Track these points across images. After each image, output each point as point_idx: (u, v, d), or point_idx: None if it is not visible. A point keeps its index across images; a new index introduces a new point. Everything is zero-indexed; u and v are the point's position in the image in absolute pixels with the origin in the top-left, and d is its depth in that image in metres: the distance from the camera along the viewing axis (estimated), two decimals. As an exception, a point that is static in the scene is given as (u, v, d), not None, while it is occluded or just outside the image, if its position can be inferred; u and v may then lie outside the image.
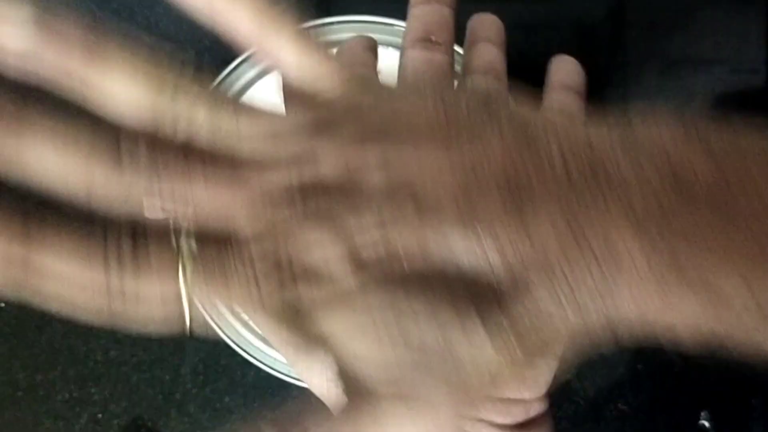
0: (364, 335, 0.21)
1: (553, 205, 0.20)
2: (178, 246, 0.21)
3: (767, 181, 0.20)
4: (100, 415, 0.44)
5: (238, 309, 0.22)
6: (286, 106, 0.23)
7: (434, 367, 0.20)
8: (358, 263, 0.21)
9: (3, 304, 0.45)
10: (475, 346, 0.20)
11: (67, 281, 0.21)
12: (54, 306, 0.21)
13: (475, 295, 0.20)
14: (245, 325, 0.40)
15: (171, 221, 0.22)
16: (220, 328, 0.40)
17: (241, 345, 0.40)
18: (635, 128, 0.21)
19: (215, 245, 0.21)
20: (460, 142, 0.21)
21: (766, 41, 0.45)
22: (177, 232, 0.21)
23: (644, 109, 0.22)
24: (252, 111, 0.22)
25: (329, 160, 0.21)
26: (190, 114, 0.22)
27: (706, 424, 0.43)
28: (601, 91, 0.44)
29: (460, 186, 0.21)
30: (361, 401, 0.21)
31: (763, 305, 0.20)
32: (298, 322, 0.21)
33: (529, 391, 0.26)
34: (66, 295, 0.21)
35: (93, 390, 0.44)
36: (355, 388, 0.21)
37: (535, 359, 0.21)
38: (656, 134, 0.21)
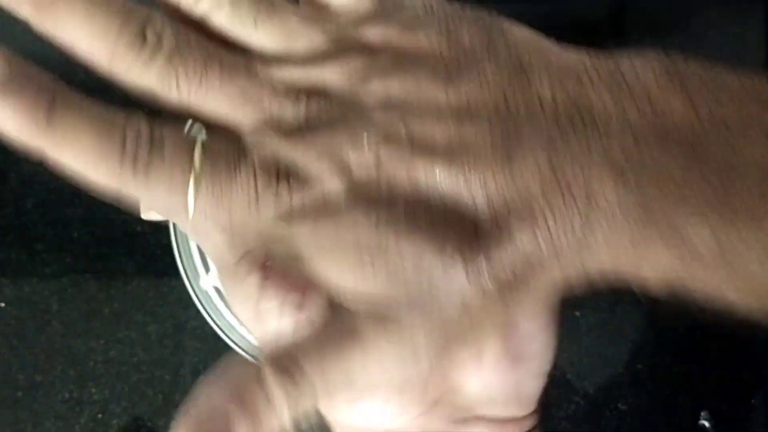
0: (347, 254, 0.22)
1: (539, 147, 0.21)
2: (192, 139, 0.22)
3: (742, 133, 0.21)
4: (99, 415, 0.44)
5: (235, 216, 0.23)
6: (302, 13, 0.24)
7: (411, 292, 0.21)
8: (349, 180, 0.22)
9: (3, 304, 0.45)
10: (450, 274, 0.21)
11: (83, 160, 0.22)
12: (66, 173, 0.22)
13: (455, 229, 0.21)
14: (245, 325, 0.40)
15: (186, 109, 0.23)
16: (219, 329, 0.40)
17: (240, 345, 0.40)
18: (622, 67, 0.22)
19: (224, 142, 0.22)
20: (459, 78, 0.22)
21: (766, 41, 0.45)
22: (192, 125, 0.23)
23: (633, 48, 0.23)
24: (272, 9, 0.24)
25: (335, 80, 0.23)
26: None
27: (706, 424, 0.43)
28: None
29: (453, 124, 0.22)
30: (342, 322, 0.22)
31: (729, 259, 0.20)
32: (287, 232, 0.22)
33: (520, 409, 0.26)
34: (79, 170, 0.22)
35: (93, 390, 0.44)
36: (336, 309, 0.22)
37: (507, 298, 0.22)
38: (642, 75, 0.22)
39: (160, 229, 0.43)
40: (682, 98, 0.21)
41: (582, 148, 0.21)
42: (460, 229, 0.21)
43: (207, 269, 0.40)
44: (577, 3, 0.46)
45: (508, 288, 0.21)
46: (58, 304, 0.45)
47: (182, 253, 0.40)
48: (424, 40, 0.23)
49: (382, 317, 0.22)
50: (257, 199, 0.22)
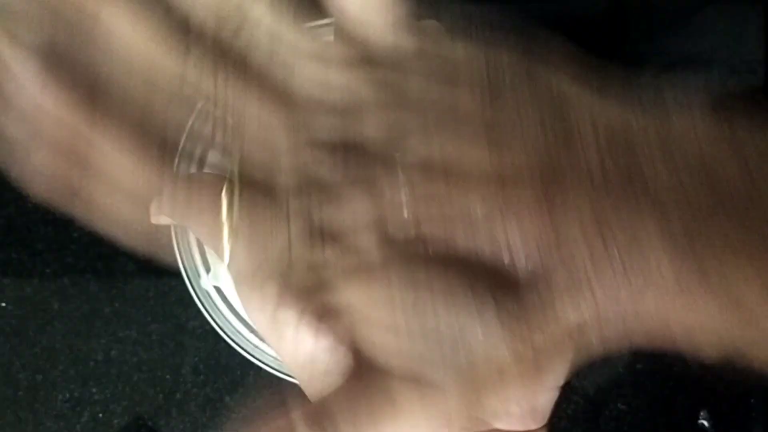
0: (381, 311, 0.21)
1: (584, 204, 0.20)
2: (227, 186, 0.22)
3: None
4: (100, 415, 0.44)
5: (270, 269, 0.22)
6: (335, 44, 0.23)
7: (446, 352, 0.21)
8: (386, 239, 0.21)
9: (3, 304, 0.45)
10: (487, 334, 0.20)
11: (117, 188, 0.22)
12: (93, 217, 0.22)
13: (495, 293, 0.21)
14: (246, 324, 0.40)
15: (225, 153, 0.22)
16: (220, 328, 0.40)
17: (241, 345, 0.40)
18: (672, 122, 0.21)
19: (258, 191, 0.22)
20: (502, 141, 0.21)
21: (764, 41, 0.45)
22: (228, 171, 0.22)
23: (679, 97, 0.22)
24: (312, 40, 0.23)
25: (373, 134, 0.22)
26: (255, 20, 0.22)
27: (706, 423, 0.43)
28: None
29: (495, 188, 0.21)
30: (373, 378, 0.21)
31: None
32: (318, 290, 0.22)
33: (534, 422, 0.25)
34: (114, 181, 0.22)
35: (94, 390, 0.44)
36: (367, 364, 0.22)
37: (542, 361, 0.21)
38: (692, 132, 0.21)
39: (161, 228, 0.43)
40: (738, 162, 0.21)
41: (634, 218, 0.20)
42: (500, 294, 0.21)
43: (207, 269, 0.40)
44: (577, 3, 0.46)
45: (545, 354, 0.21)
46: (58, 303, 0.45)
47: (183, 253, 0.40)
48: (465, 95, 0.22)
49: (415, 379, 0.21)
50: (289, 249, 0.21)
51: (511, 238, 0.20)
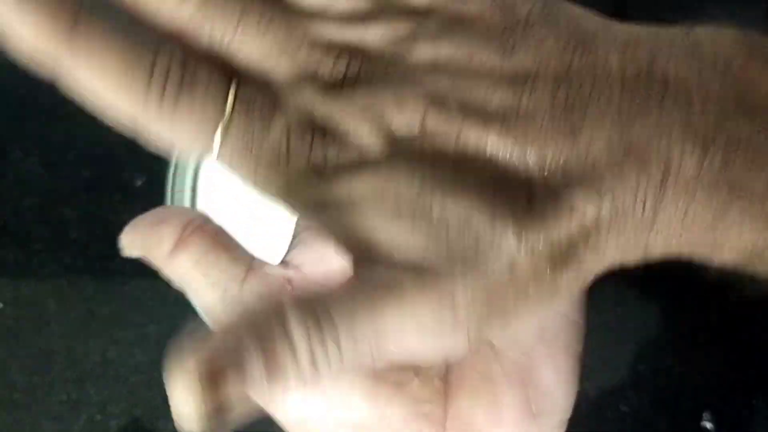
0: (385, 206, 0.20)
1: (608, 119, 0.19)
2: (225, 79, 0.21)
3: None
4: (98, 417, 0.44)
5: (261, 167, 0.21)
6: None
7: (452, 239, 0.20)
8: (391, 139, 0.20)
9: (1, 305, 0.45)
10: (500, 238, 0.19)
11: (105, 82, 0.20)
12: (81, 98, 0.20)
13: (508, 194, 0.20)
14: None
15: (218, 54, 0.21)
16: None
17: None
18: (699, 37, 0.20)
19: (258, 88, 0.21)
20: (515, 45, 0.20)
21: (767, 41, 0.45)
22: (225, 68, 0.21)
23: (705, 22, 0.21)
24: None
25: (377, 41, 0.21)
26: None
27: (708, 425, 0.42)
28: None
29: (508, 91, 0.20)
30: (373, 270, 0.20)
31: None
32: (317, 184, 0.21)
33: None
34: (99, 93, 0.20)
35: (91, 391, 0.44)
36: (369, 264, 0.21)
37: (557, 271, 0.20)
38: (719, 43, 0.20)
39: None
40: (767, 70, 0.19)
41: (659, 120, 0.19)
42: (513, 196, 0.20)
43: (206, 270, 0.39)
44: (577, 3, 0.46)
45: (561, 261, 0.20)
46: (56, 304, 0.44)
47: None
48: (474, 6, 0.21)
49: (419, 268, 0.20)
50: (288, 152, 0.21)
51: (527, 145, 0.20)
